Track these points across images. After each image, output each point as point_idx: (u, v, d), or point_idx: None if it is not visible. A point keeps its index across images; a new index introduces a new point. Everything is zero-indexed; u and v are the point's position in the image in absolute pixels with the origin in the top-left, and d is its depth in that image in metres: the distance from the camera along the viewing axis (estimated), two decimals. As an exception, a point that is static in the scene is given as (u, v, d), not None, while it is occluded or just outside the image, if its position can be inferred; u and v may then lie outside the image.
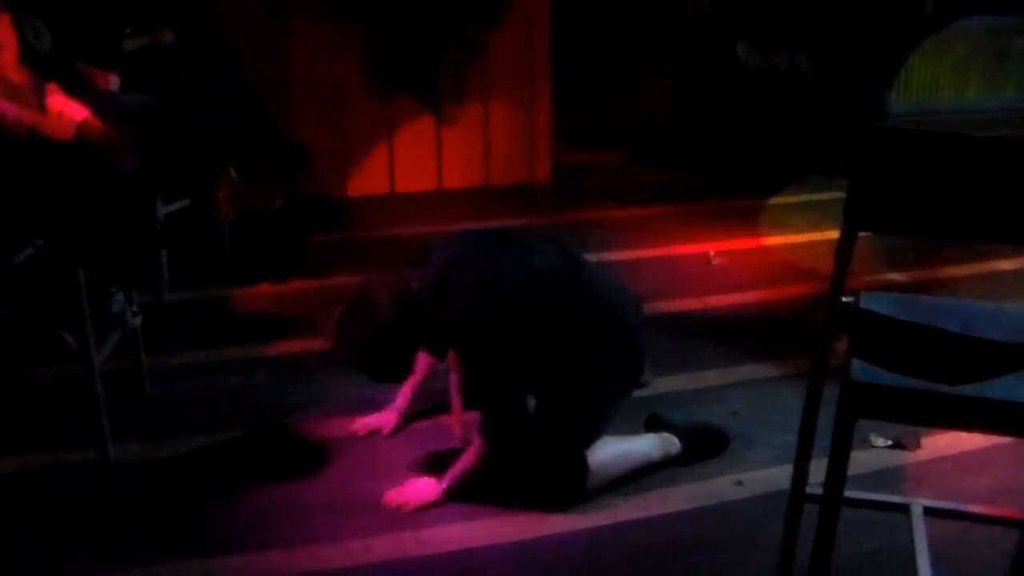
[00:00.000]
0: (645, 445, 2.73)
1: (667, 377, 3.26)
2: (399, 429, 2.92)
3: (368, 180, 5.39)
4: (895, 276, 4.21)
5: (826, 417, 1.94)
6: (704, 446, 2.80)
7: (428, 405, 3.02)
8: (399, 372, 2.66)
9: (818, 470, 1.97)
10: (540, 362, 2.58)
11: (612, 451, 2.64)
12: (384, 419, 2.93)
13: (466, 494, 2.56)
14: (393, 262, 4.30)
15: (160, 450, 2.84)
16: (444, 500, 2.56)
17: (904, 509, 2.26)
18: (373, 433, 2.91)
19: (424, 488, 2.57)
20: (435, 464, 2.74)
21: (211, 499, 2.61)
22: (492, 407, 2.53)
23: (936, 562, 2.10)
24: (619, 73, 7.10)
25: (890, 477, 2.73)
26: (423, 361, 2.89)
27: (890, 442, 2.88)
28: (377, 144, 5.38)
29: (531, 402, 2.85)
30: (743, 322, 3.82)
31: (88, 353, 2.64)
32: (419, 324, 2.52)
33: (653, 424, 2.84)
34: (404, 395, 2.94)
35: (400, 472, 2.72)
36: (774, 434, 2.93)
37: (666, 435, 2.77)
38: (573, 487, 2.56)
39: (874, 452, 2.84)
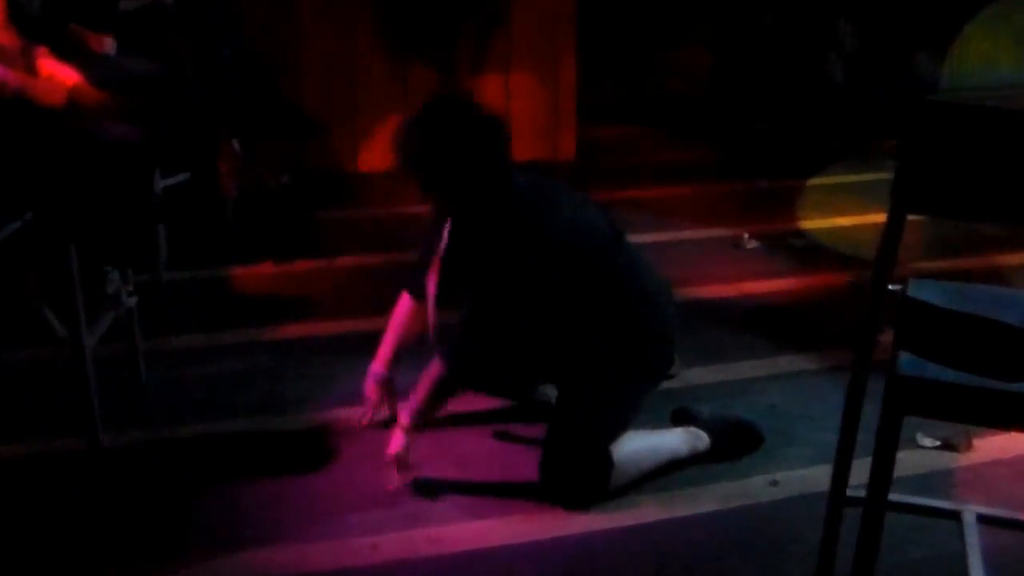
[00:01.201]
0: (672, 440, 2.71)
1: (697, 368, 3.24)
2: (391, 387, 2.87)
3: (380, 154, 5.34)
4: (942, 264, 4.17)
5: (870, 414, 1.91)
6: (736, 442, 2.78)
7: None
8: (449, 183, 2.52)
9: (860, 471, 1.94)
10: (565, 339, 2.58)
11: (637, 446, 2.62)
12: (369, 391, 2.87)
13: (428, 421, 2.58)
14: (406, 242, 4.40)
15: (155, 439, 2.83)
16: (411, 436, 2.55)
17: (954, 516, 2.23)
18: (379, 423, 2.89)
19: (396, 439, 2.57)
20: (448, 454, 2.72)
21: (209, 492, 2.59)
22: (479, 322, 2.51)
23: (989, 574, 2.07)
24: (648, 44, 7.06)
25: (939, 481, 2.69)
26: (404, 308, 2.86)
27: (939, 443, 2.84)
28: (390, 115, 5.32)
29: (552, 392, 2.84)
30: (780, 310, 3.79)
31: (79, 335, 2.63)
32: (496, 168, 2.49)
33: (680, 418, 2.82)
34: (386, 347, 2.89)
35: (412, 464, 2.67)
36: (813, 431, 2.90)
37: (694, 430, 2.75)
38: (595, 484, 2.54)
39: (921, 453, 2.81)
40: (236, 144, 4.04)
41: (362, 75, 5.24)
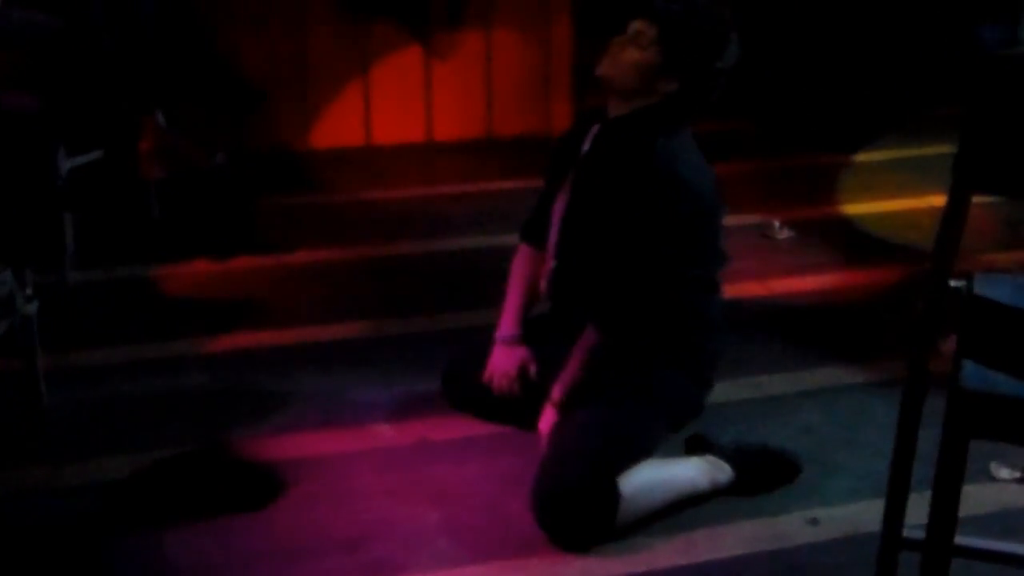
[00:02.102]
0: (689, 471, 2.70)
1: (720, 383, 3.20)
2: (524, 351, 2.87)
3: (338, 129, 5.37)
4: (1015, 256, 4.18)
5: (929, 438, 1.89)
6: (765, 473, 2.77)
7: (411, 418, 3.01)
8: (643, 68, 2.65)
9: (918, 507, 1.92)
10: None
11: (648, 477, 2.60)
12: (501, 361, 2.87)
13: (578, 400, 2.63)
14: (370, 234, 4.40)
15: (60, 477, 2.79)
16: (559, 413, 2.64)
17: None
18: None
19: (548, 415, 2.65)
20: (421, 488, 2.71)
21: (126, 542, 2.55)
22: (625, 279, 2.62)
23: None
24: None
25: (1018, 520, 2.67)
26: (525, 258, 2.92)
27: (1019, 474, 2.83)
28: (349, 83, 5.36)
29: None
30: (818, 313, 3.80)
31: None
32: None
33: (697, 445, 2.81)
34: (512, 305, 2.92)
35: (377, 501, 2.68)
36: (859, 459, 2.89)
37: (713, 459, 2.74)
38: (598, 521, 2.52)
39: (996, 487, 2.79)
40: (160, 116, 4.02)
41: (313, 34, 5.22)
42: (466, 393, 2.92)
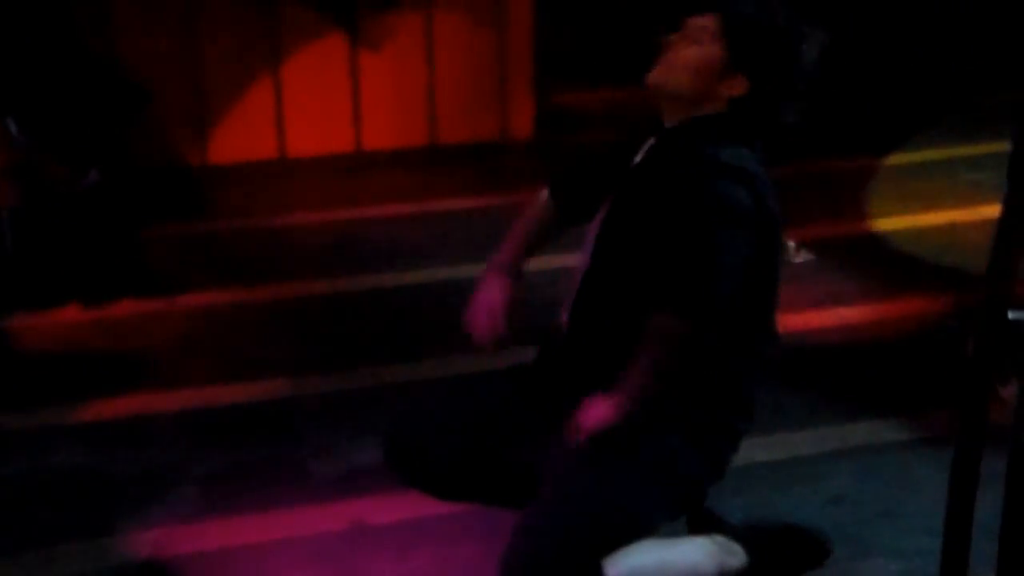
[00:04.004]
0: (690, 554, 2.72)
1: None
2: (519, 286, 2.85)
3: (243, 139, 5.39)
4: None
5: (989, 506, 1.91)
6: (785, 556, 2.78)
7: (341, 498, 3.01)
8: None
9: (978, 595, 1.94)
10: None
11: (642, 561, 2.60)
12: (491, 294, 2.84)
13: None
14: (286, 269, 4.38)
15: None
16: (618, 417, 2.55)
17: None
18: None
19: (598, 410, 2.54)
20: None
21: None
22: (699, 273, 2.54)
23: None
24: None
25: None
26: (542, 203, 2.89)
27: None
28: (256, 82, 5.39)
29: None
30: (847, 354, 3.83)
31: None
32: None
33: (701, 522, 2.81)
34: (516, 236, 2.88)
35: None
36: (901, 535, 2.91)
37: (721, 539, 2.75)
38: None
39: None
40: (12, 125, 4.01)
41: (207, 21, 5.23)
42: (415, 463, 2.90)
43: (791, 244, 4.50)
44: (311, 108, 5.44)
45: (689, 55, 2.66)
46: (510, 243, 2.87)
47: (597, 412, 2.53)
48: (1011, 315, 1.88)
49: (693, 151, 2.61)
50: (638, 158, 2.74)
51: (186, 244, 4.61)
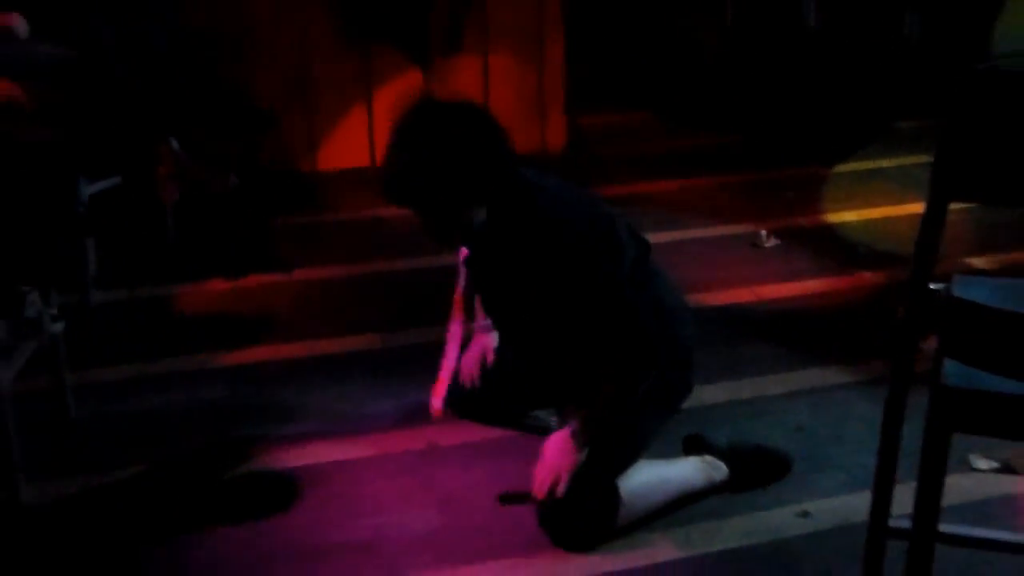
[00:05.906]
0: (684, 471, 2.71)
1: (712, 386, 3.23)
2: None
3: (343, 151, 5.37)
4: (993, 259, 4.17)
5: (912, 433, 1.90)
6: (759, 470, 2.78)
7: (419, 425, 3.02)
8: (452, 221, 2.49)
9: (904, 498, 1.93)
10: (580, 355, 2.59)
11: (646, 478, 2.61)
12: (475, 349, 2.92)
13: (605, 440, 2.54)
14: (377, 250, 4.40)
15: (87, 488, 2.79)
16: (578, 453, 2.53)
17: (1016, 549, 2.22)
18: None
19: (559, 451, 2.52)
20: (430, 492, 2.71)
21: (151, 549, 2.56)
22: (623, 319, 2.48)
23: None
24: (649, 13, 7.04)
25: (998, 508, 2.68)
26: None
27: (996, 465, 2.83)
28: (353, 106, 5.37)
29: (551, 418, 2.84)
30: (805, 317, 3.80)
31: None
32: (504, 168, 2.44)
33: (694, 446, 2.81)
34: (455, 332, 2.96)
35: (389, 505, 2.69)
36: (847, 454, 2.90)
37: (710, 459, 2.75)
38: (600, 522, 2.53)
39: (976, 477, 2.79)
40: (175, 143, 4.01)
41: (318, 60, 5.23)
42: (467, 402, 2.93)
43: (763, 232, 4.48)
44: (395, 127, 5.41)
45: (430, 225, 2.53)
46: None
47: (557, 441, 2.55)
48: (932, 286, 1.87)
49: (508, 227, 2.49)
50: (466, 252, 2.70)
51: (301, 232, 4.61)
